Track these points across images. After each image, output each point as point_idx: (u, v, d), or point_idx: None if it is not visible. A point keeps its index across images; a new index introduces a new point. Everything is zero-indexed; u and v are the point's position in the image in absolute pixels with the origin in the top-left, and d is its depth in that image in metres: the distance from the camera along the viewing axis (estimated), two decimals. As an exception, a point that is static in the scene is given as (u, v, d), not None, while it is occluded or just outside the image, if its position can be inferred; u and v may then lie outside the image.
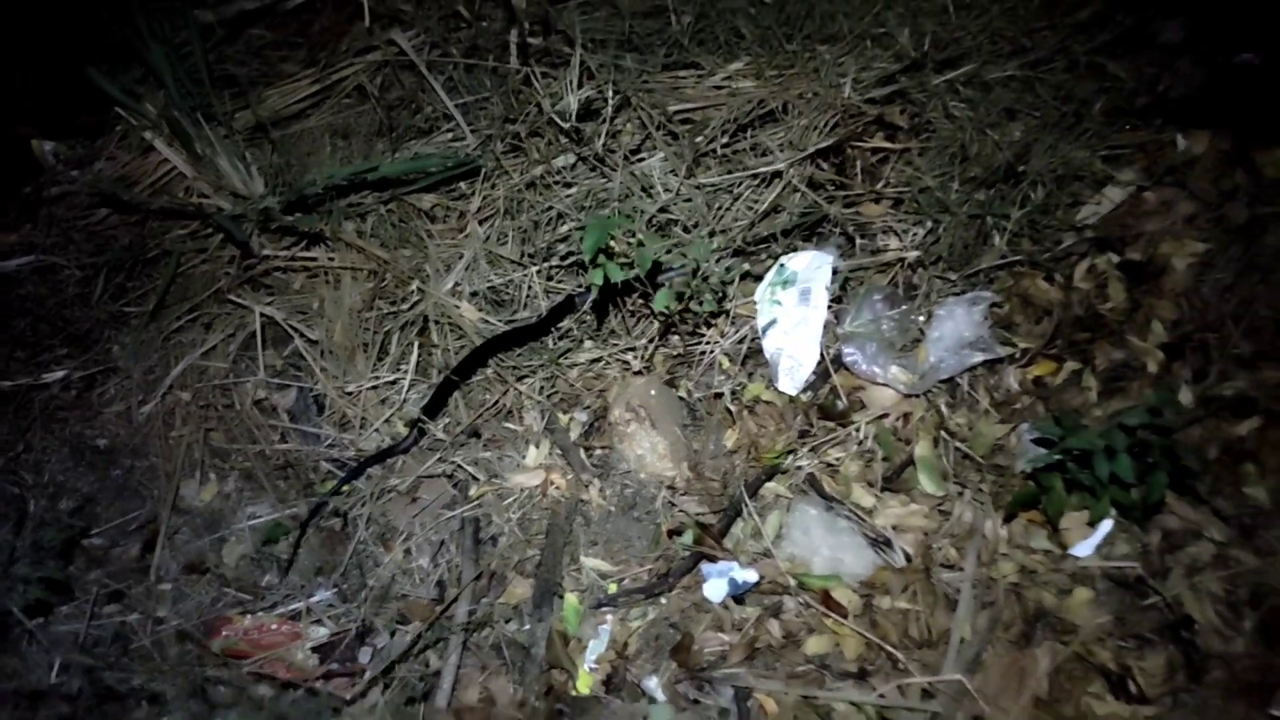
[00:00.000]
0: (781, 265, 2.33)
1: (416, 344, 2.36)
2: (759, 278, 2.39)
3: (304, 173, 2.72)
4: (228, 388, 2.31)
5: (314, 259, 2.56)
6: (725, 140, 2.56)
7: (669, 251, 2.41)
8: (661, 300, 2.10)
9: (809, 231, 2.45)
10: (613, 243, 2.09)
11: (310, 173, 2.52)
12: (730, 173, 2.51)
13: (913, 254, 2.29)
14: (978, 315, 2.18)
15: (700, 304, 2.16)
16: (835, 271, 2.30)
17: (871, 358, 2.16)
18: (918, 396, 2.15)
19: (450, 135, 2.75)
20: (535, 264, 2.46)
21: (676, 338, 2.32)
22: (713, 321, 2.30)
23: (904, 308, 2.23)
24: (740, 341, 2.33)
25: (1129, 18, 2.61)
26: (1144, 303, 2.28)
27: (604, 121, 2.52)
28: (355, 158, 2.74)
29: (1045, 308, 2.29)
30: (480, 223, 2.57)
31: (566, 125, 2.50)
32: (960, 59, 2.58)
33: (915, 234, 2.37)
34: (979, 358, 2.14)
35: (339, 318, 2.44)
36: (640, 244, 2.05)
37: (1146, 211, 2.43)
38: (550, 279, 2.52)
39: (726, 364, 2.31)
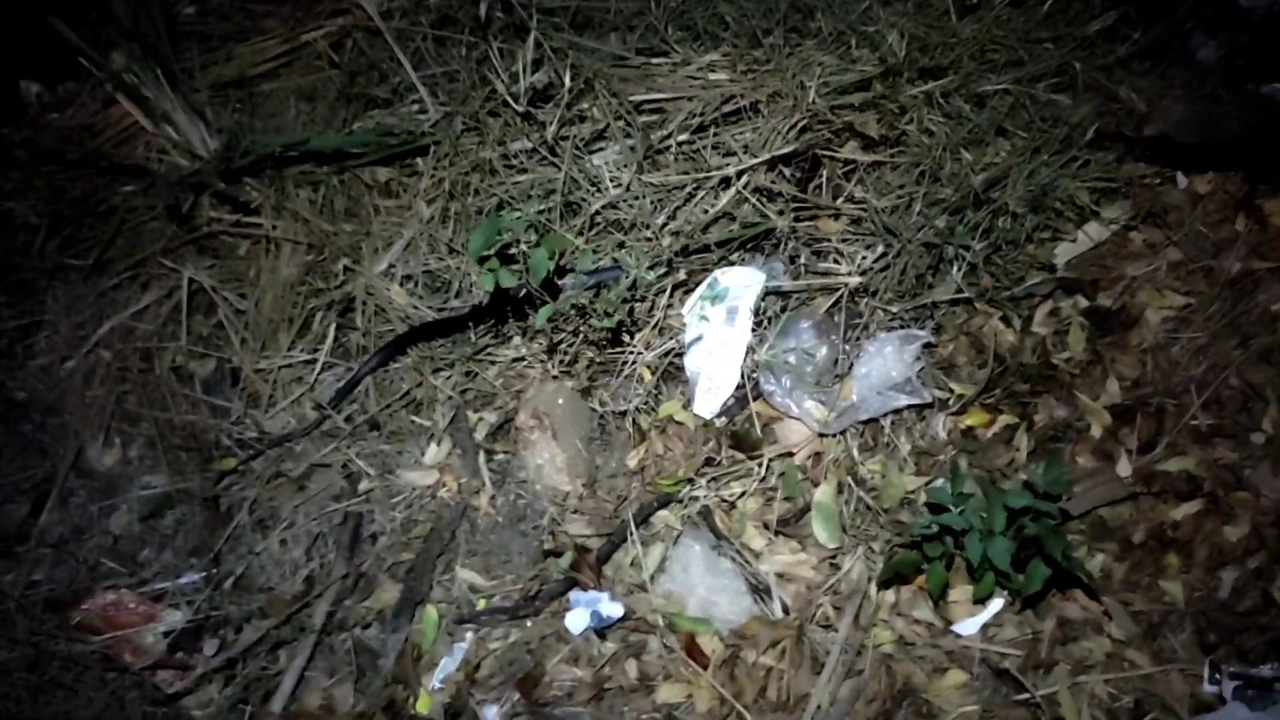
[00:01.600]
0: (714, 279, 2.20)
1: (334, 325, 2.31)
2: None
3: (265, 134, 2.69)
4: (150, 351, 2.31)
5: (259, 224, 2.53)
6: (685, 137, 2.42)
7: (597, 251, 2.31)
8: (543, 316, 2.00)
9: (756, 244, 2.30)
10: (521, 243, 1.98)
11: (245, 139, 2.48)
12: (686, 173, 2.37)
13: (854, 280, 2.14)
14: (909, 355, 2.02)
15: (601, 319, 2.05)
16: (768, 293, 2.16)
17: (787, 389, 2.03)
18: (832, 436, 2.01)
19: (416, 107, 2.67)
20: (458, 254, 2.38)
21: (593, 350, 2.22)
22: (630, 331, 2.19)
23: (832, 339, 2.08)
24: (665, 355, 2.22)
25: (1143, 34, 2.35)
26: (1105, 356, 2.09)
27: (559, 106, 2.41)
28: (317, 123, 2.68)
29: (994, 351, 2.12)
30: (428, 203, 2.50)
31: (520, 108, 2.40)
32: (946, 68, 2.37)
33: (864, 258, 2.20)
34: (903, 401, 1.99)
35: (272, 289, 2.42)
36: (534, 246, 1.94)
37: (1129, 254, 2.22)
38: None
39: (648, 376, 2.21)
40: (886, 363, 2.02)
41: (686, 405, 2.15)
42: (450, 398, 2.22)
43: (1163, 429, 1.95)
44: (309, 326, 2.34)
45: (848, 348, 2.10)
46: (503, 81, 2.43)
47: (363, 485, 2.09)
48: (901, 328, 2.11)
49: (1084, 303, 2.16)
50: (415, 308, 2.36)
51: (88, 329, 2.37)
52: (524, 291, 2.02)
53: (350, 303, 2.37)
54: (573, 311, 2.10)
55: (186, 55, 2.72)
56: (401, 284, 2.41)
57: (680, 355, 2.20)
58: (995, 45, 2.40)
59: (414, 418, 2.21)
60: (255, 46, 2.78)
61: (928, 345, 2.07)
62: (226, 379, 2.28)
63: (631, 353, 2.22)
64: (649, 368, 2.21)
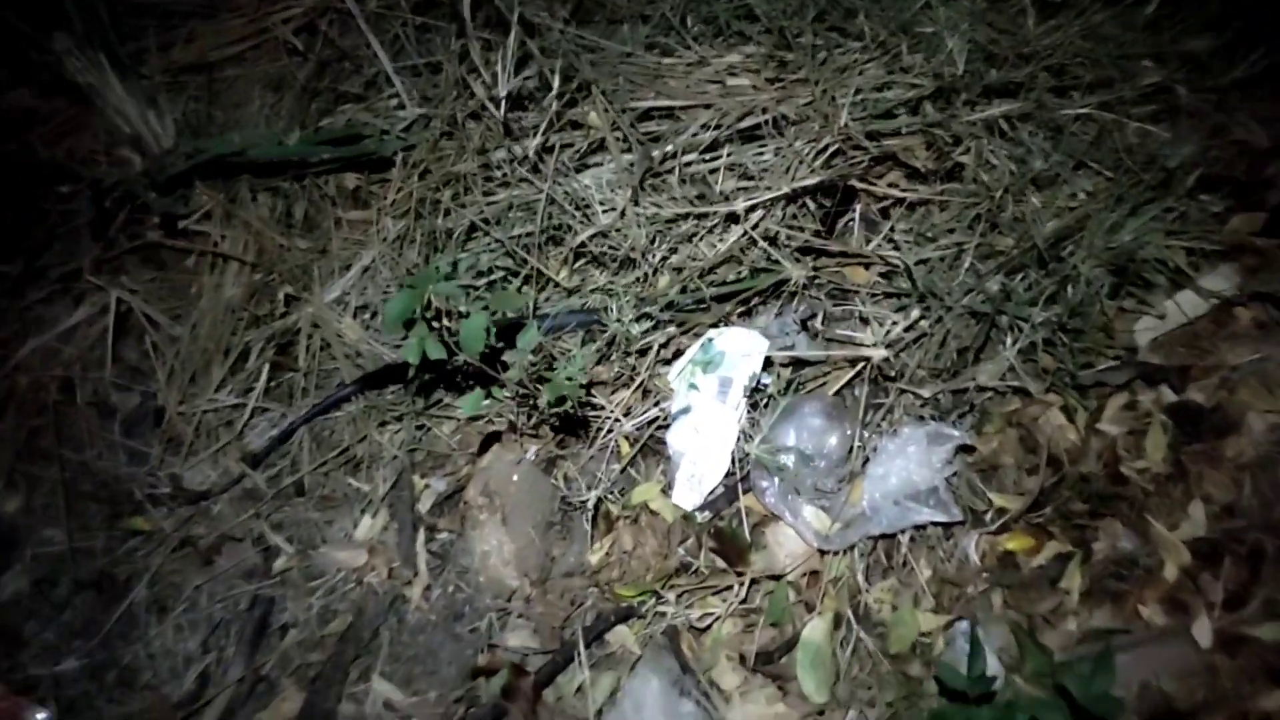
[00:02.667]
0: (709, 341, 1.83)
1: (269, 363, 2.00)
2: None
3: (225, 129, 2.38)
4: (71, 380, 2.04)
5: (206, 234, 2.23)
6: (694, 157, 2.03)
7: (575, 292, 1.95)
8: (470, 405, 1.63)
9: (764, 297, 1.91)
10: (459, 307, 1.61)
11: (187, 142, 2.16)
12: (690, 203, 1.99)
13: (879, 353, 1.74)
14: (939, 457, 1.63)
15: (549, 397, 1.67)
16: (770, 363, 1.78)
17: (783, 490, 1.66)
18: (835, 553, 1.64)
19: (394, 102, 2.32)
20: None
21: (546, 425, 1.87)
22: (585, 416, 1.83)
23: (845, 427, 1.70)
24: (650, 424, 1.86)
25: (1265, 55, 1.87)
26: (1190, 470, 1.66)
27: (546, 111, 2.04)
28: (282, 117, 2.36)
29: (1049, 453, 1.70)
30: (395, 218, 2.16)
31: (499, 115, 2.04)
32: (1017, 87, 1.93)
33: (894, 324, 1.80)
34: (926, 515, 1.61)
35: (211, 313, 2.12)
36: (463, 315, 1.59)
37: (1232, 336, 1.77)
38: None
39: (625, 449, 1.85)
40: (909, 464, 1.63)
41: (666, 490, 1.79)
42: (395, 457, 1.90)
43: (1258, 578, 1.53)
44: (245, 361, 2.03)
45: (863, 439, 1.71)
46: (483, 82, 2.07)
47: (279, 563, 1.79)
48: (934, 418, 1.71)
49: (1169, 397, 1.73)
50: (368, 345, 2.04)
51: (9, 348, 2.10)
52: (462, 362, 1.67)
53: (294, 335, 2.05)
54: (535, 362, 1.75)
55: (142, 34, 2.41)
56: (355, 315, 2.08)
57: (665, 427, 1.83)
58: (1080, 59, 1.94)
59: (351, 479, 1.89)
60: (220, 26, 2.46)
61: (964, 449, 1.66)
62: (149, 418, 1.99)
63: (608, 418, 1.86)
64: (627, 439, 1.86)
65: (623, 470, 1.83)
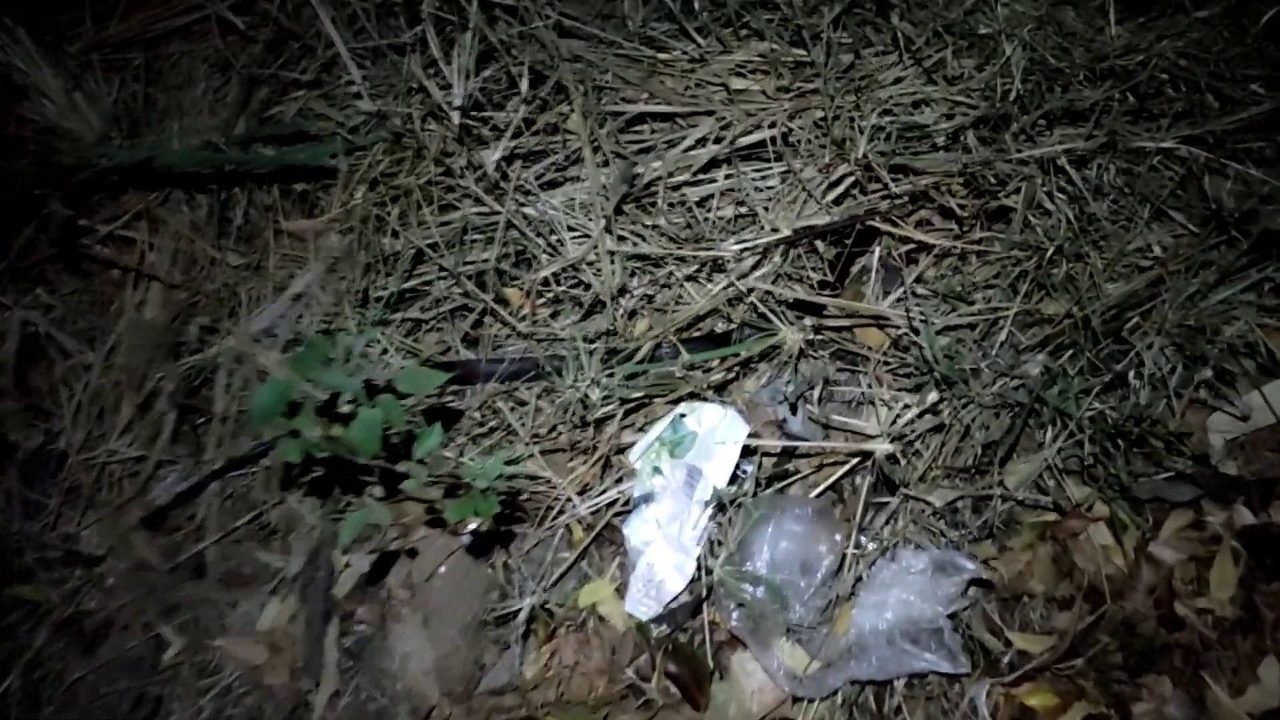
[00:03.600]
0: (680, 418, 1.52)
1: (178, 408, 1.74)
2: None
3: (166, 115, 2.10)
4: (-30, 410, 1.81)
5: (134, 240, 1.96)
6: (686, 178, 1.70)
7: (529, 336, 1.65)
8: (351, 527, 1.33)
9: (758, 361, 1.59)
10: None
11: (115, 133, 1.88)
12: (673, 239, 1.66)
13: (884, 447, 1.41)
14: (946, 592, 1.31)
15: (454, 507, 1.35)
16: (749, 452, 1.47)
17: (753, 623, 1.36)
18: (812, 701, 1.34)
19: (353, 89, 2.01)
20: (371, 314, 1.76)
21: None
22: (529, 494, 1.55)
23: (834, 538, 1.38)
24: (609, 507, 1.57)
25: None
26: (1265, 617, 1.33)
27: (513, 115, 1.72)
28: (227, 104, 2.06)
29: (1088, 582, 1.38)
30: (340, 234, 1.87)
31: (455, 121, 1.72)
32: (1088, 112, 1.55)
33: (906, 408, 1.47)
34: (926, 664, 1.30)
35: (130, 338, 1.86)
36: (349, 411, 1.28)
37: (1335, 446, 1.41)
38: (409, 335, 1.82)
39: (578, 534, 1.57)
40: (910, 595, 1.32)
41: (620, 590, 1.50)
42: (314, 528, 1.64)
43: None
44: (155, 401, 1.77)
45: (857, 552, 1.40)
46: (438, 82, 1.75)
47: (168, 654, 1.55)
48: (945, 535, 1.39)
49: (1245, 518, 1.39)
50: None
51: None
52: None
53: (212, 372, 1.79)
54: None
55: (76, 3, 2.12)
56: (286, 350, 1.81)
57: (625, 514, 1.54)
58: (1170, 78, 1.55)
59: (261, 552, 1.64)
60: (165, -6, 2.15)
61: (978, 583, 1.34)
62: (51, 463, 1.76)
63: (560, 497, 1.57)
64: (580, 523, 1.57)
65: (574, 564, 1.54)
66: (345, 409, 1.24)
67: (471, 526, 1.57)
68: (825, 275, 1.60)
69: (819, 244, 1.63)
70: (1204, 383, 1.44)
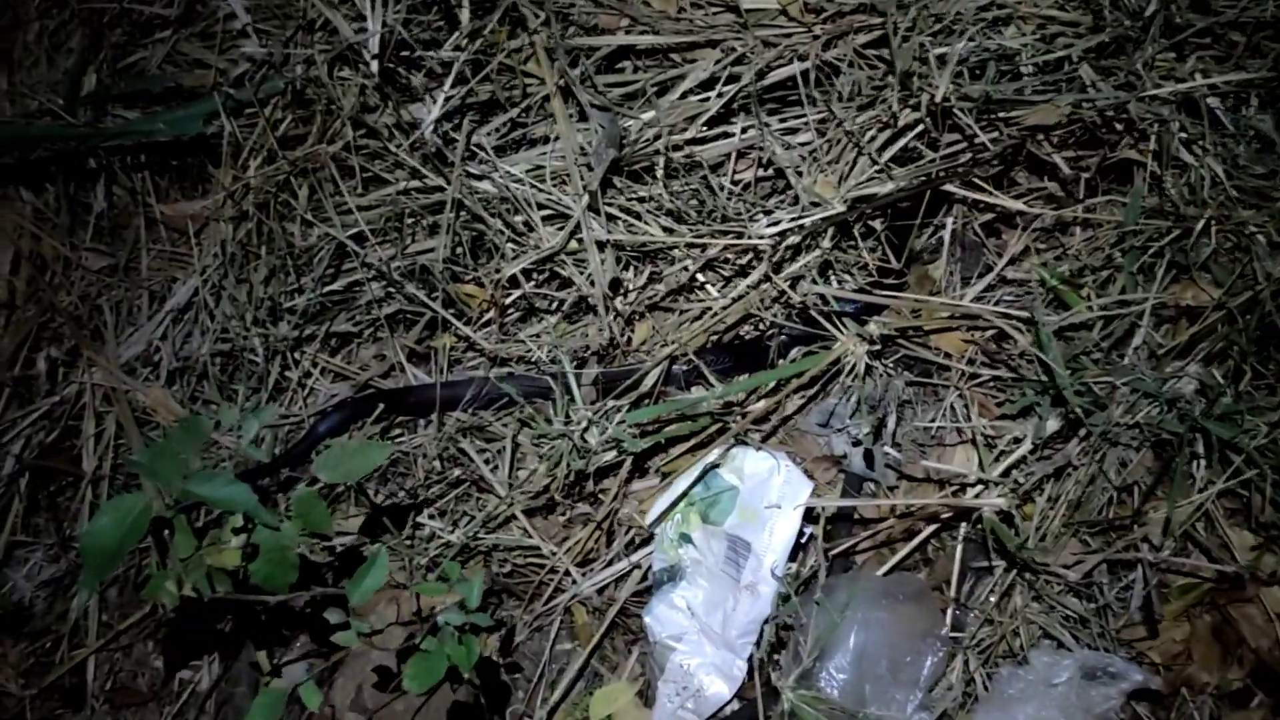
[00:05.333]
0: (713, 470, 1.13)
1: (28, 475, 1.30)
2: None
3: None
4: None
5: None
6: (690, 134, 1.27)
7: (498, 361, 1.25)
8: (262, 714, 0.93)
9: (814, 388, 1.20)
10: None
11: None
12: (683, 216, 1.25)
13: (993, 502, 1.04)
14: (1097, 709, 0.96)
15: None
16: (815, 518, 1.09)
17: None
18: None
19: (237, 28, 1.51)
20: (283, 328, 1.32)
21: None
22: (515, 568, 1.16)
23: (932, 639, 1.02)
24: (620, 581, 1.19)
25: None
26: None
27: (455, 58, 1.27)
28: (70, 52, 1.56)
29: (1264, 660, 1.05)
30: (234, 221, 1.41)
31: (373, 67, 1.27)
32: (1242, 35, 1.15)
33: (1014, 441, 1.10)
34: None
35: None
36: (241, 533, 0.86)
37: None
38: (338, 353, 1.39)
39: (582, 619, 1.19)
40: (1049, 709, 0.96)
41: (644, 697, 1.14)
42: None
43: None
44: (0, 463, 1.33)
45: (964, 649, 1.04)
46: (344, 12, 1.28)
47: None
48: (1078, 616, 1.04)
49: None
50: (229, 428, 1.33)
51: None
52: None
53: (76, 418, 1.34)
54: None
55: None
56: (171, 383, 1.36)
57: (643, 594, 1.16)
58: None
59: (159, 658, 1.23)
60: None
61: (1141, 694, 0.99)
62: None
63: (555, 570, 1.19)
64: (584, 605, 1.19)
65: (587, 661, 1.17)
66: (236, 529, 0.83)
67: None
68: (884, 258, 1.21)
69: (875, 222, 1.23)
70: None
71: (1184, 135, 1.12)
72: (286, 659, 1.12)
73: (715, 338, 1.26)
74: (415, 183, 1.31)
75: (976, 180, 1.19)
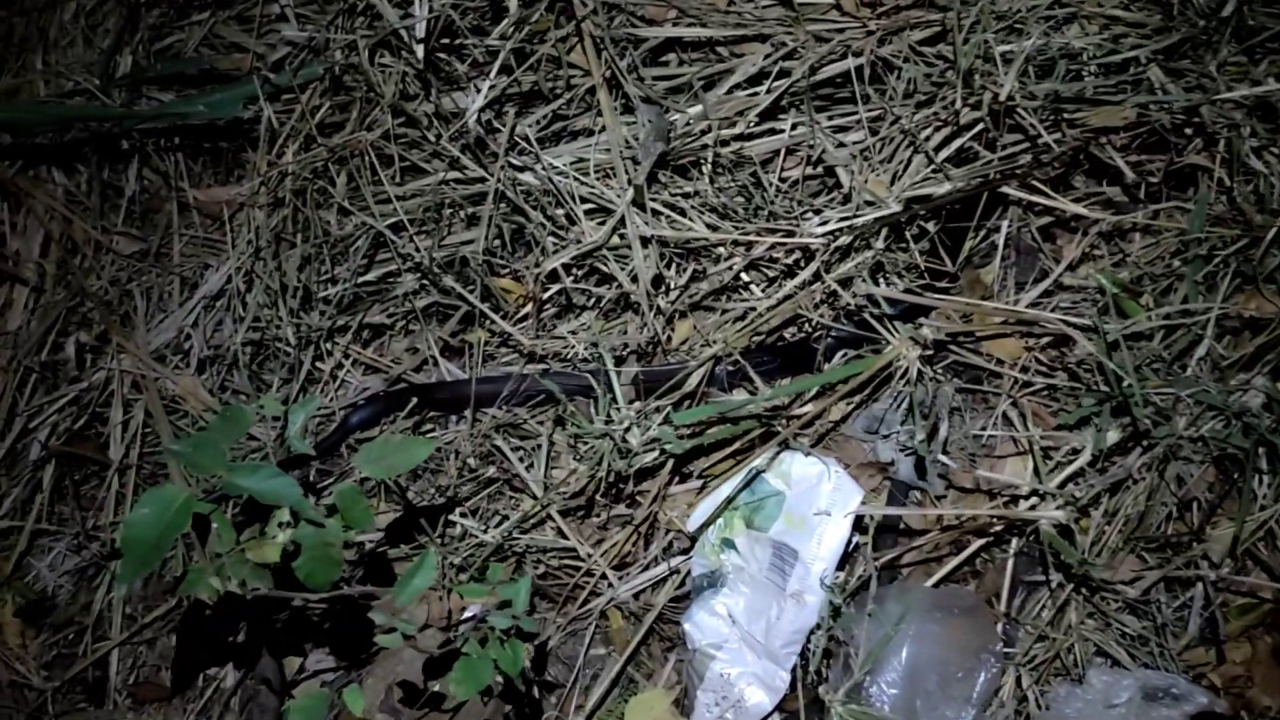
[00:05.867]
0: (758, 475, 1.10)
1: (54, 462, 1.28)
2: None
3: (25, 47, 1.57)
4: None
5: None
6: (740, 129, 1.24)
7: (534, 358, 1.22)
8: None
9: (863, 393, 1.16)
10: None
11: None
12: (730, 213, 1.22)
13: (1052, 514, 1.01)
14: (1159, 729, 0.93)
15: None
16: (865, 526, 1.06)
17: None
18: None
19: (277, 11, 1.49)
20: (316, 318, 1.30)
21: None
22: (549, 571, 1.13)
23: (986, 654, 0.99)
24: (657, 586, 1.16)
25: None
26: None
27: (501, 45, 1.24)
28: (106, 32, 1.54)
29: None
30: (267, 207, 1.38)
31: (419, 53, 1.24)
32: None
33: (1073, 452, 1.06)
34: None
35: (-14, 356, 1.38)
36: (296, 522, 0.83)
37: None
38: (370, 345, 1.37)
39: (618, 623, 1.16)
40: (1103, 732, 0.93)
41: (680, 705, 1.10)
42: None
43: None
44: (26, 449, 1.31)
45: (1016, 670, 1.01)
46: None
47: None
48: (1138, 635, 1.00)
49: None
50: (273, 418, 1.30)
51: None
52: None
53: (104, 404, 1.32)
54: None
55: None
56: (201, 371, 1.34)
57: (681, 600, 1.13)
58: None
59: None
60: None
61: (1203, 717, 0.95)
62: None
63: (593, 573, 1.16)
64: (619, 610, 1.16)
65: (621, 670, 1.13)
66: (282, 523, 0.80)
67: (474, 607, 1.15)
68: (936, 260, 1.17)
69: (928, 224, 1.19)
70: None
71: (1255, 142, 1.08)
72: (317, 659, 1.09)
73: (759, 339, 1.23)
74: (455, 173, 1.29)
75: (1035, 183, 1.16)
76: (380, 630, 0.81)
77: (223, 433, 0.82)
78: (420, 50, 1.22)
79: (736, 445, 1.13)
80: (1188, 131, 1.10)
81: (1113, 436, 1.04)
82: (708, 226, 1.22)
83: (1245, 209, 1.08)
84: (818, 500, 1.04)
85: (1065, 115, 1.12)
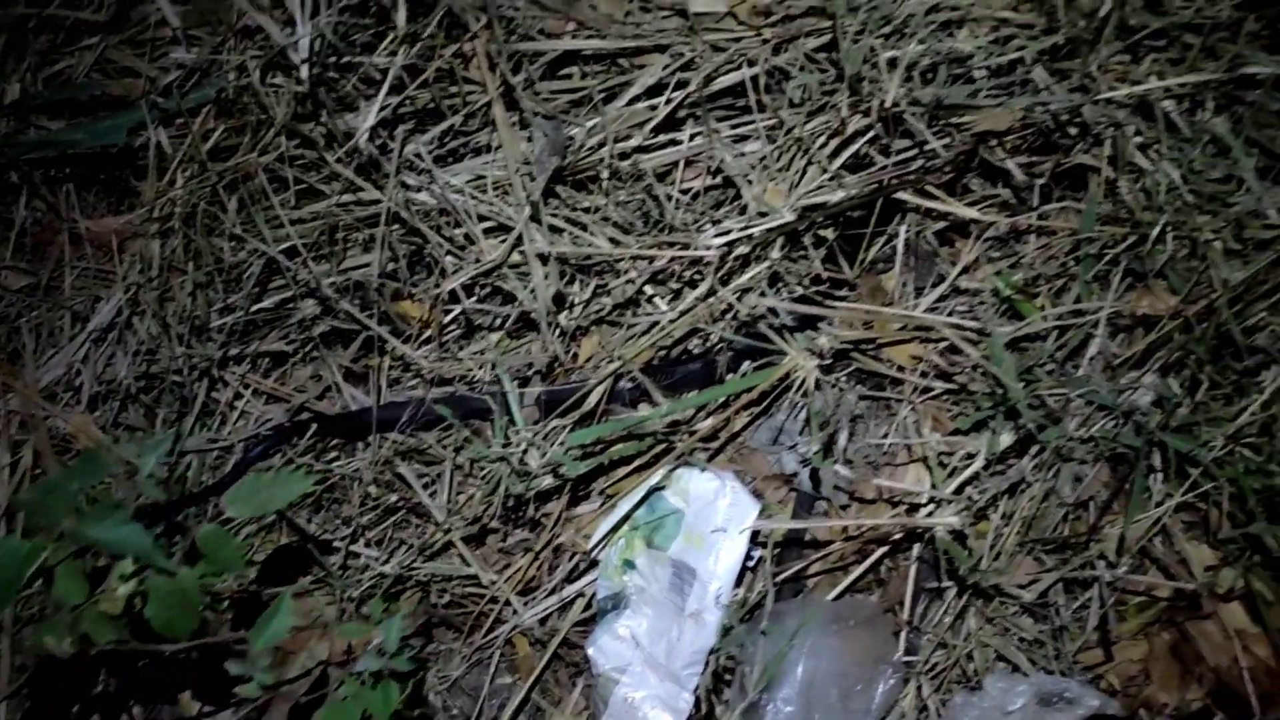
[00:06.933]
0: (658, 492, 1.08)
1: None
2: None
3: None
4: None
5: None
6: (636, 141, 1.23)
7: (436, 382, 1.19)
8: None
9: (763, 405, 1.15)
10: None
11: None
12: (626, 228, 1.20)
13: (947, 520, 1.01)
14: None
15: None
16: (762, 542, 1.05)
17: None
18: None
19: (168, 35, 1.46)
20: (209, 348, 1.26)
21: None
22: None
23: (887, 669, 0.98)
24: (564, 610, 1.14)
25: None
26: None
27: (390, 62, 1.22)
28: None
29: (1224, 680, 1.01)
30: (160, 236, 1.35)
31: (305, 75, 1.21)
32: (1197, 36, 1.12)
33: (968, 460, 1.06)
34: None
35: None
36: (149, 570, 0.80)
37: None
38: (270, 374, 1.33)
39: (525, 651, 1.13)
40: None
41: (587, 730, 1.09)
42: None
43: None
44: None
45: (914, 679, 1.00)
46: (274, 15, 1.23)
47: None
48: (1033, 638, 1.00)
49: None
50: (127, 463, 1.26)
51: None
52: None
53: (-9, 447, 1.28)
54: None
55: None
56: (94, 407, 1.30)
57: (587, 623, 1.11)
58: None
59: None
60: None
61: (1099, 719, 0.95)
62: None
63: (497, 598, 1.13)
64: (525, 636, 1.14)
65: (525, 697, 1.11)
66: (123, 575, 0.76)
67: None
68: (835, 268, 1.17)
69: (826, 232, 1.19)
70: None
71: (1139, 140, 1.09)
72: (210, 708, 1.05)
73: (663, 353, 1.21)
74: (349, 195, 1.26)
75: (929, 188, 1.15)
76: (243, 684, 0.78)
77: (77, 478, 0.79)
78: (305, 70, 1.19)
79: (638, 462, 1.12)
80: (1073, 132, 1.10)
81: (1006, 440, 1.04)
82: (610, 240, 1.21)
83: (1133, 207, 1.09)
84: (715, 517, 1.03)
85: (954, 120, 1.12)
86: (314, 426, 1.22)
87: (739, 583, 1.04)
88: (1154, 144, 1.09)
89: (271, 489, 0.85)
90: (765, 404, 1.13)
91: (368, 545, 1.18)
